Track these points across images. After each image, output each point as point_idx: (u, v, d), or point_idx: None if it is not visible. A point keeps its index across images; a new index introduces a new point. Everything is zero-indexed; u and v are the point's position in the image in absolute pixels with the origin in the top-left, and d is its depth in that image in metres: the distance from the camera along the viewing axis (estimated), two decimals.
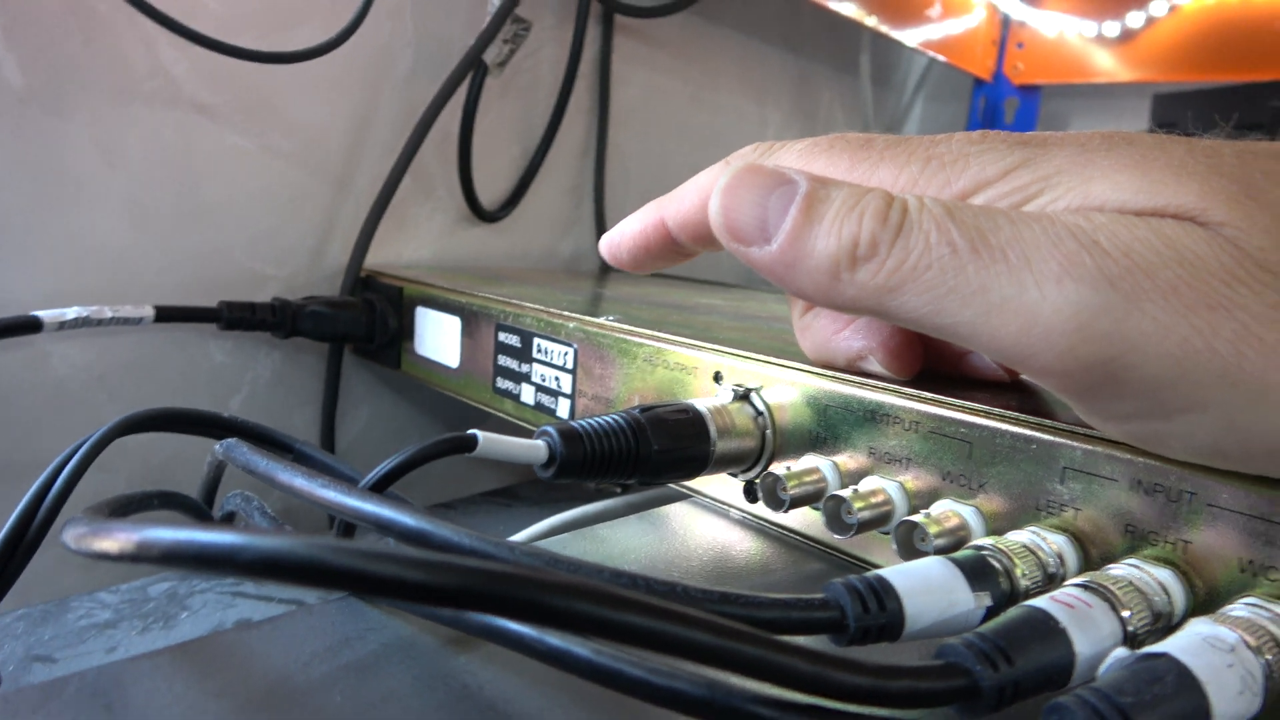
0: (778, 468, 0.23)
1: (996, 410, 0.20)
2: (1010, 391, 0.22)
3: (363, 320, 0.46)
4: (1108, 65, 0.96)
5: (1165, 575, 0.17)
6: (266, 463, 0.21)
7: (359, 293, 0.49)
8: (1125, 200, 0.16)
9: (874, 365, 0.23)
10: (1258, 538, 0.16)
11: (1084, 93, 1.05)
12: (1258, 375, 0.14)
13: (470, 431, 0.21)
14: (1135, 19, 0.94)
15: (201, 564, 0.13)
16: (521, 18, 0.55)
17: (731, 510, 0.28)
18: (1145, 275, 0.15)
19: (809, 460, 0.24)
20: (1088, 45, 0.97)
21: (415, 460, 0.21)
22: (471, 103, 0.55)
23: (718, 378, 0.27)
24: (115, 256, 0.43)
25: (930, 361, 0.24)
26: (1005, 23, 1.04)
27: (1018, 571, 0.17)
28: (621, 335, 0.31)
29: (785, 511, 0.23)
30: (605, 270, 0.65)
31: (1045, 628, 0.15)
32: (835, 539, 0.24)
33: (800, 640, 0.15)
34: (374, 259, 0.52)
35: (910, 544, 0.20)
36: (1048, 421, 0.19)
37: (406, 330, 0.46)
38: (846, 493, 0.22)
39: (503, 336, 0.37)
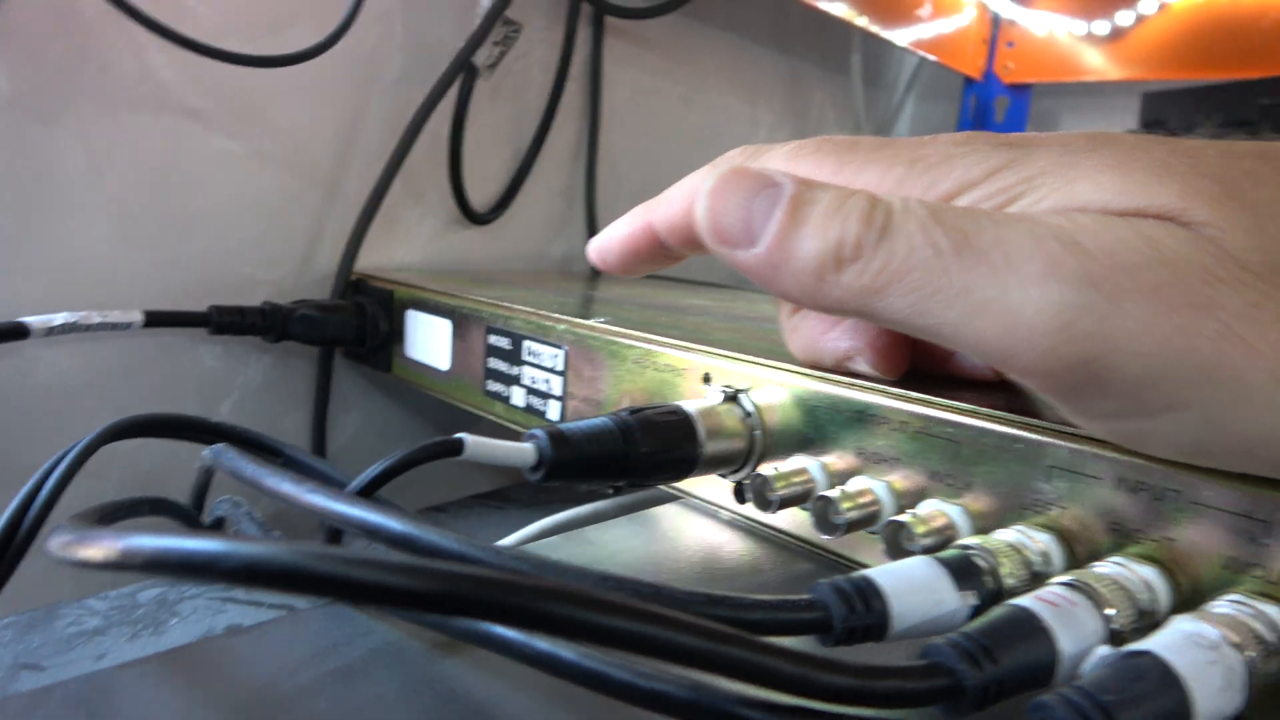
0: (766, 469, 0.23)
1: (983, 410, 0.20)
2: (997, 391, 0.22)
3: (353, 324, 0.46)
4: (1098, 64, 0.96)
5: (1149, 573, 0.17)
6: (254, 468, 0.21)
7: (349, 296, 0.49)
8: (1108, 201, 0.16)
9: (862, 365, 0.23)
10: (1241, 535, 0.17)
11: (1074, 91, 1.06)
12: (1239, 374, 0.14)
13: (457, 435, 0.21)
14: (1125, 17, 0.94)
15: (185, 571, 0.13)
16: (511, 20, 0.55)
17: (721, 511, 0.28)
18: (1127, 275, 0.15)
19: (797, 461, 0.24)
20: (1078, 44, 0.98)
21: (402, 465, 0.21)
22: (461, 105, 0.55)
23: (707, 379, 0.27)
24: (103, 262, 0.42)
25: (918, 361, 0.24)
26: (995, 22, 1.04)
27: (1003, 570, 0.18)
28: (611, 337, 0.31)
29: (774, 512, 0.23)
30: (596, 272, 0.65)
31: (1029, 626, 0.15)
32: (824, 539, 0.24)
33: (787, 641, 0.15)
34: (365, 262, 0.52)
35: (897, 544, 0.20)
36: (1034, 421, 0.20)
37: (397, 333, 0.46)
38: (834, 493, 0.22)
39: (493, 339, 0.37)
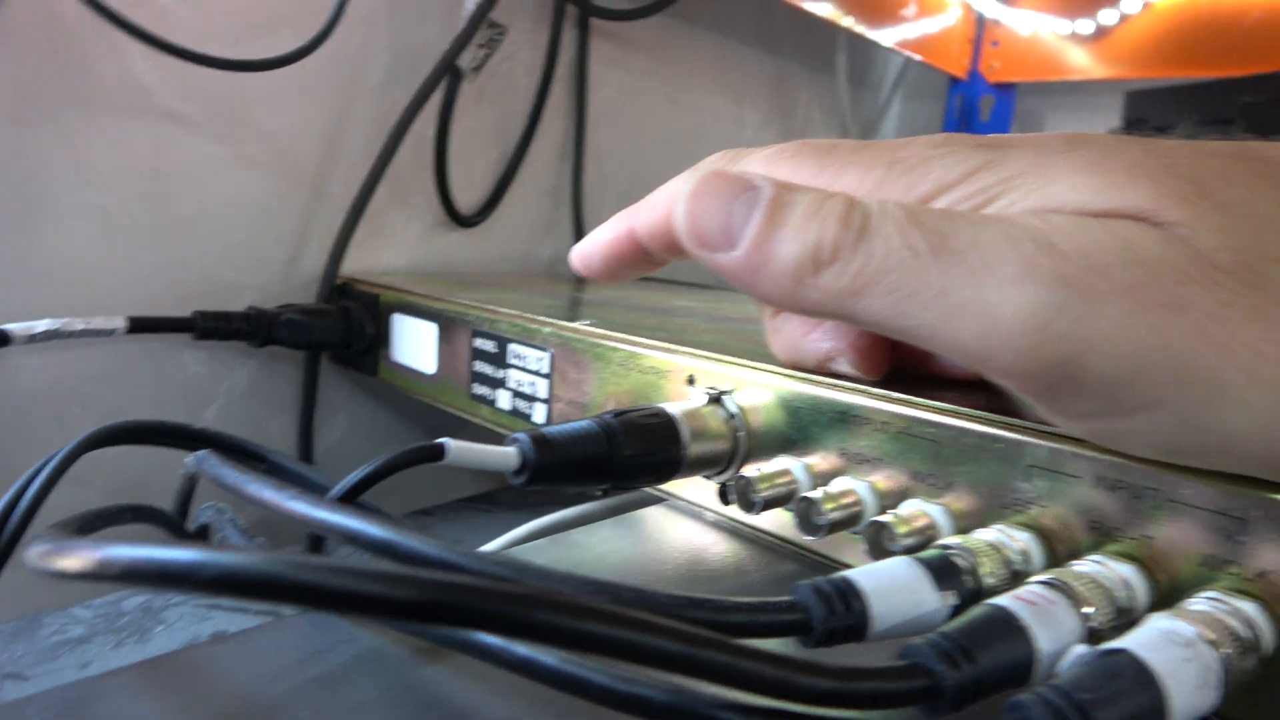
0: (750, 470, 0.24)
1: (963, 410, 0.21)
2: (978, 391, 0.22)
3: (339, 328, 0.46)
4: (1082, 62, 0.97)
5: (1128, 571, 0.17)
6: (235, 475, 0.21)
7: (335, 300, 0.48)
8: (1083, 202, 0.16)
9: (843, 366, 0.23)
10: (1217, 532, 0.17)
11: (1059, 90, 1.06)
12: (1212, 373, 0.14)
13: (439, 440, 0.21)
14: (1108, 16, 0.94)
15: (161, 582, 0.13)
16: (496, 22, 0.55)
17: (706, 513, 0.28)
18: (1101, 276, 0.15)
19: (781, 462, 0.24)
20: (1062, 43, 0.98)
21: (384, 470, 0.21)
22: (447, 108, 0.54)
23: (691, 381, 0.27)
24: (86, 268, 0.42)
25: (900, 362, 0.24)
26: (980, 21, 1.05)
27: (983, 569, 0.18)
28: (596, 340, 0.31)
29: (757, 514, 0.23)
30: None
31: (1007, 626, 0.15)
32: (807, 540, 0.24)
33: (768, 643, 0.15)
34: (351, 266, 0.52)
35: (879, 544, 0.20)
36: (1014, 420, 0.20)
37: (383, 337, 0.46)
38: (817, 494, 0.22)
39: (478, 342, 0.37)
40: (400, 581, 0.12)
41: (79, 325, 0.38)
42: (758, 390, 0.25)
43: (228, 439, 0.32)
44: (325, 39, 0.46)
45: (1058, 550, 0.19)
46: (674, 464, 0.24)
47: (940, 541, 0.19)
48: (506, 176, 0.61)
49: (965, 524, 0.20)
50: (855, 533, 0.22)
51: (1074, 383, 0.15)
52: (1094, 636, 0.16)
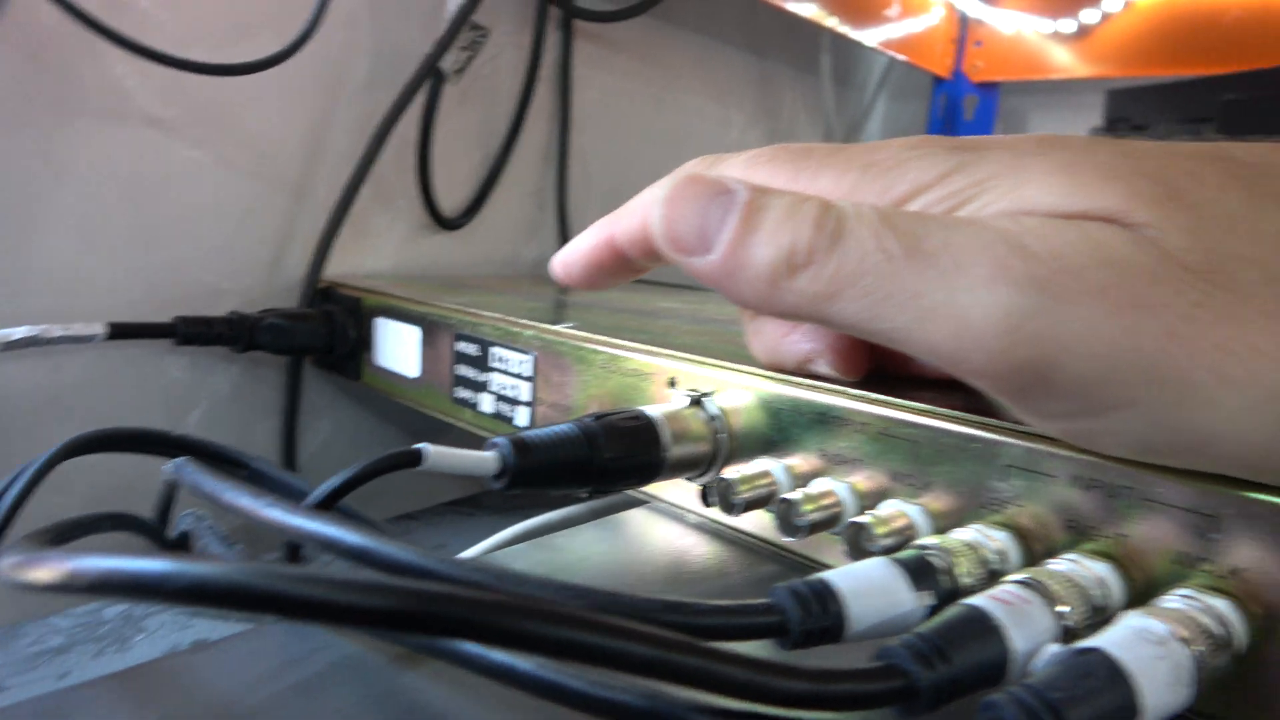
0: (731, 472, 0.24)
1: (940, 410, 0.21)
2: (956, 391, 0.23)
3: (321, 332, 0.46)
4: (1064, 61, 0.97)
5: (1103, 569, 0.17)
6: (213, 482, 0.21)
7: (318, 304, 0.48)
8: (1054, 203, 0.16)
9: (823, 367, 0.23)
10: (1191, 530, 0.17)
11: (1042, 89, 1.07)
12: (1182, 373, 0.14)
13: (417, 446, 0.21)
14: (1090, 15, 0.95)
15: (132, 593, 0.13)
16: (479, 24, 0.55)
17: (689, 514, 0.28)
18: (1073, 277, 0.15)
19: (761, 463, 0.24)
20: (1044, 42, 0.99)
21: (361, 477, 0.21)
22: (429, 110, 0.54)
23: (672, 383, 0.27)
24: (65, 274, 0.42)
25: (880, 362, 0.24)
26: (963, 21, 1.05)
27: (960, 569, 0.18)
28: (578, 343, 0.31)
29: (738, 515, 0.23)
30: None
31: (981, 626, 0.15)
32: (787, 541, 0.24)
33: (745, 646, 0.15)
34: (335, 270, 0.51)
35: (859, 545, 0.20)
36: (990, 420, 0.20)
37: (366, 341, 0.45)
38: (796, 495, 0.22)
39: (461, 346, 0.37)
40: (371, 590, 0.12)
41: (58, 332, 0.38)
42: (738, 392, 0.25)
43: (208, 445, 0.31)
44: (305, 42, 0.45)
45: (1034, 549, 0.19)
46: (655, 467, 0.24)
47: (918, 542, 0.19)
48: (490, 178, 0.61)
49: (943, 524, 0.20)
50: (835, 533, 0.22)
51: (1047, 383, 0.15)
52: (1069, 635, 0.16)
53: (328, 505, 0.21)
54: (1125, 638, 0.14)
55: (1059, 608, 0.16)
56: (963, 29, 1.05)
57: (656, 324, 0.35)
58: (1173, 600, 0.16)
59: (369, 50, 0.52)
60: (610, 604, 0.15)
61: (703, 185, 0.18)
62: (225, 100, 0.46)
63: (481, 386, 0.36)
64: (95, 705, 0.17)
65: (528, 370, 0.33)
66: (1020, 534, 0.19)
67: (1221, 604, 0.16)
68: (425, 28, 0.53)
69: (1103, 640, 0.14)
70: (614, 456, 0.23)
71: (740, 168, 0.20)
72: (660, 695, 0.14)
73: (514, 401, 0.34)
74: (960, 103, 1.06)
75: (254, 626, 0.20)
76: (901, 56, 0.99)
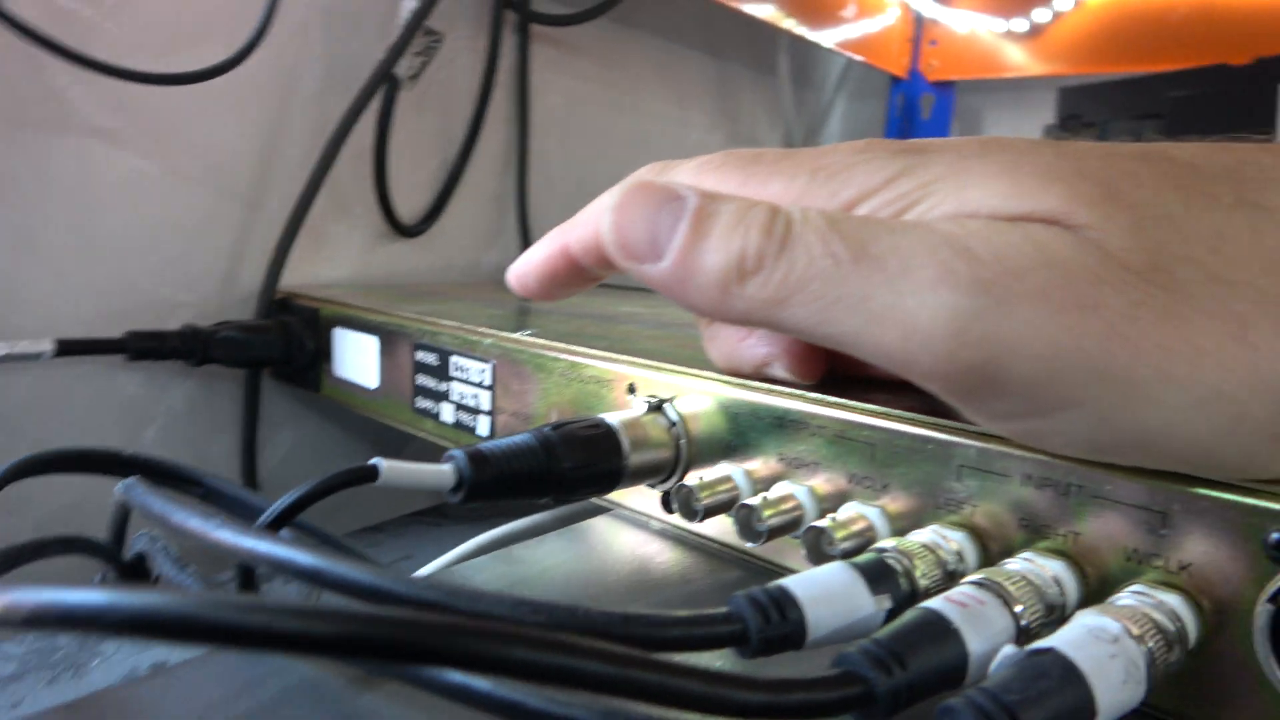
0: (691, 478, 0.24)
1: (894, 412, 0.21)
2: (911, 392, 0.23)
3: (278, 344, 0.45)
4: (1018, 60, 0.99)
5: (1057, 567, 0.18)
6: (162, 504, 0.21)
7: (275, 315, 0.47)
8: (996, 206, 0.16)
9: (779, 371, 0.23)
10: (1141, 526, 0.17)
11: (997, 87, 1.08)
12: (1125, 372, 0.15)
13: (372, 461, 0.20)
14: (1042, 14, 0.97)
15: (69, 626, 0.12)
16: (433, 29, 0.54)
17: (652, 521, 0.28)
18: (1016, 279, 0.15)
19: (722, 469, 0.24)
20: (998, 41, 1.00)
21: (315, 494, 0.20)
22: (385, 117, 0.54)
23: (632, 389, 0.27)
24: (8, 290, 0.41)
25: (838, 365, 0.24)
26: (918, 21, 1.06)
27: (917, 572, 0.18)
28: (537, 350, 0.31)
29: (700, 521, 0.23)
30: None
31: (938, 629, 0.15)
32: (749, 547, 0.24)
33: (706, 656, 0.15)
34: (292, 280, 0.51)
35: (818, 549, 0.20)
36: (943, 421, 0.20)
37: (325, 352, 0.45)
38: (756, 500, 0.22)
39: (420, 355, 0.37)
40: (316, 617, 0.11)
41: (3, 350, 0.37)
42: (698, 397, 0.25)
43: (161, 464, 0.31)
44: (253, 50, 0.45)
45: (991, 548, 0.19)
46: (616, 474, 0.24)
47: (876, 545, 0.19)
48: (449, 185, 0.61)
49: (902, 525, 0.21)
50: (796, 537, 0.22)
51: (993, 385, 0.15)
52: (1025, 635, 0.16)
53: (279, 525, 0.20)
54: (1079, 637, 0.14)
55: (1015, 607, 0.16)
56: (918, 29, 1.06)
57: (616, 329, 0.35)
58: (1125, 598, 0.16)
59: (321, 57, 0.52)
60: (569, 619, 0.15)
61: (652, 192, 0.18)
62: (174, 110, 0.45)
63: (442, 396, 0.36)
64: None
65: (487, 379, 0.33)
66: (977, 534, 0.19)
67: (1173, 599, 0.16)
68: (378, 33, 0.53)
69: (1057, 640, 0.14)
70: (573, 465, 0.23)
71: (690, 174, 0.20)
72: (618, 711, 0.14)
73: (475, 411, 0.34)
74: (917, 102, 1.07)
75: (209, 651, 0.20)
76: (858, 57, 0.99)
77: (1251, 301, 0.14)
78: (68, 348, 0.40)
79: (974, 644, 0.15)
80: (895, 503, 0.21)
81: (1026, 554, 0.18)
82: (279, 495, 0.26)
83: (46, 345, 0.39)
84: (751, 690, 0.13)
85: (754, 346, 0.23)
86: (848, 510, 0.21)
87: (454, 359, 0.35)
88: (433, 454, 0.23)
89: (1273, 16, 0.81)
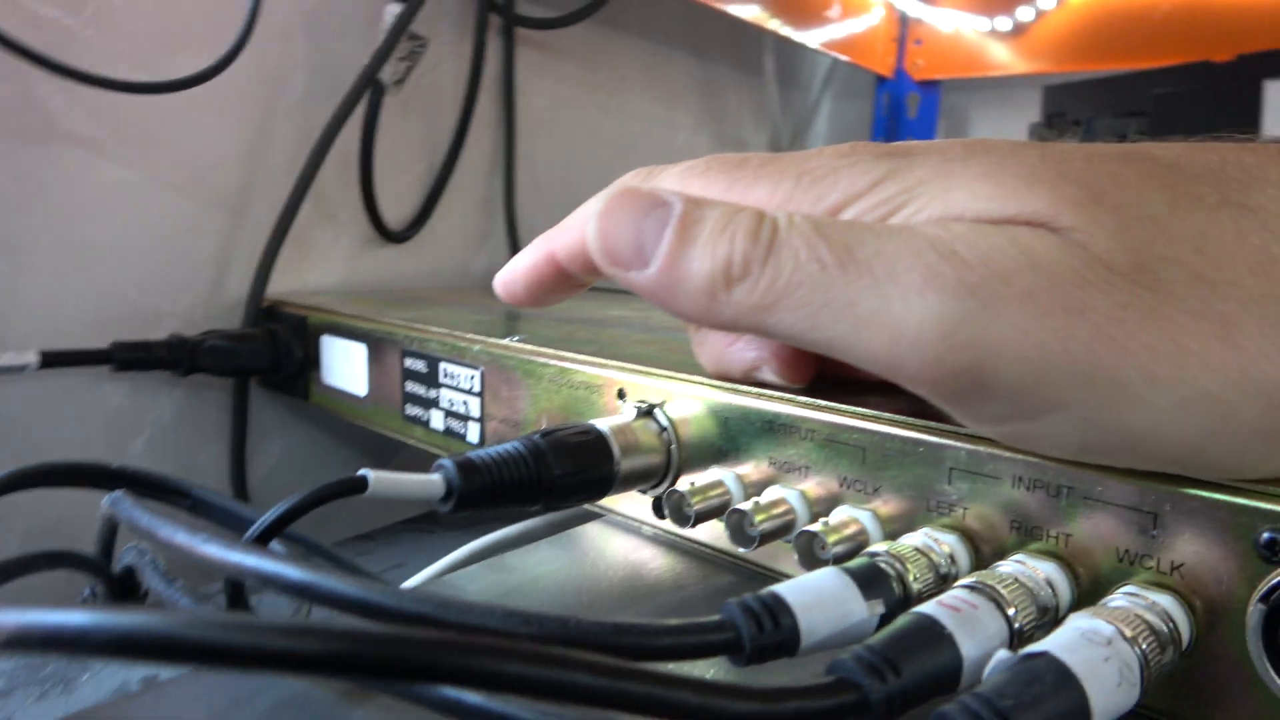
0: (683, 484, 0.23)
1: (884, 415, 0.21)
2: (901, 395, 0.23)
3: (266, 352, 0.45)
4: (1003, 58, 0.99)
5: (1050, 569, 0.18)
6: (148, 518, 0.20)
7: (262, 324, 0.47)
8: (982, 209, 0.16)
9: (768, 375, 0.23)
10: (1132, 527, 0.17)
11: (982, 86, 1.09)
12: (1112, 374, 0.15)
13: (361, 472, 0.20)
14: (1025, 13, 0.97)
15: (51, 648, 0.12)
16: (417, 34, 0.54)
17: (644, 527, 0.28)
18: (1002, 282, 0.15)
19: (713, 474, 0.24)
20: (983, 40, 1.01)
21: (302, 507, 0.20)
22: (370, 122, 0.54)
23: (621, 395, 0.27)
24: None
25: (827, 368, 0.24)
26: (903, 20, 1.07)
27: (910, 576, 0.18)
28: (526, 356, 0.31)
29: (692, 526, 0.23)
30: None
31: (931, 634, 0.15)
32: (741, 552, 0.24)
33: (699, 665, 0.15)
34: (279, 287, 0.50)
35: (811, 553, 0.20)
36: (932, 424, 0.20)
37: (314, 360, 0.44)
38: (747, 505, 0.22)
39: (409, 362, 0.37)
40: (303, 635, 0.11)
41: None
42: (688, 402, 0.25)
43: (148, 476, 0.30)
44: (234, 58, 0.44)
45: (983, 551, 0.19)
46: (606, 481, 0.24)
47: (869, 549, 0.19)
48: (436, 189, 0.60)
49: (894, 528, 0.21)
50: (788, 541, 0.22)
51: (981, 388, 0.15)
52: (1018, 637, 0.16)
53: (267, 538, 0.20)
54: (1072, 640, 0.14)
55: (1008, 610, 0.16)
56: (903, 28, 1.07)
57: (606, 333, 0.35)
58: (1118, 599, 0.16)
59: (305, 63, 0.52)
60: (560, 630, 0.15)
61: (638, 199, 0.18)
62: (157, 118, 0.45)
63: (432, 403, 0.35)
64: None
65: (476, 386, 0.33)
66: (969, 537, 0.19)
67: (1165, 600, 0.16)
68: (363, 39, 0.53)
69: (1050, 644, 0.14)
70: (564, 473, 0.23)
71: (675, 180, 0.20)
72: None
73: (464, 418, 0.34)
74: (903, 101, 1.07)
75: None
76: (844, 57, 1.00)
77: (1236, 301, 0.14)
78: (52, 359, 0.40)
79: (968, 649, 0.15)
80: (887, 506, 0.21)
81: (1018, 556, 0.18)
82: (269, 504, 0.25)
83: (31, 357, 0.39)
84: (745, 700, 0.13)
85: (743, 350, 0.23)
86: (839, 514, 0.21)
87: (443, 365, 0.35)
88: (423, 461, 0.23)
89: (1254, 13, 0.81)
